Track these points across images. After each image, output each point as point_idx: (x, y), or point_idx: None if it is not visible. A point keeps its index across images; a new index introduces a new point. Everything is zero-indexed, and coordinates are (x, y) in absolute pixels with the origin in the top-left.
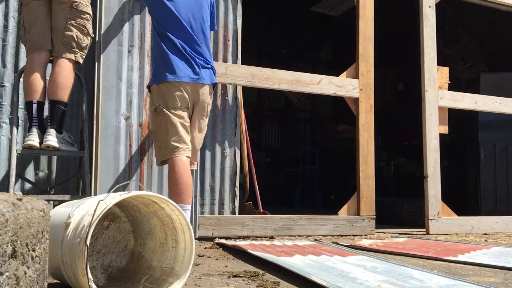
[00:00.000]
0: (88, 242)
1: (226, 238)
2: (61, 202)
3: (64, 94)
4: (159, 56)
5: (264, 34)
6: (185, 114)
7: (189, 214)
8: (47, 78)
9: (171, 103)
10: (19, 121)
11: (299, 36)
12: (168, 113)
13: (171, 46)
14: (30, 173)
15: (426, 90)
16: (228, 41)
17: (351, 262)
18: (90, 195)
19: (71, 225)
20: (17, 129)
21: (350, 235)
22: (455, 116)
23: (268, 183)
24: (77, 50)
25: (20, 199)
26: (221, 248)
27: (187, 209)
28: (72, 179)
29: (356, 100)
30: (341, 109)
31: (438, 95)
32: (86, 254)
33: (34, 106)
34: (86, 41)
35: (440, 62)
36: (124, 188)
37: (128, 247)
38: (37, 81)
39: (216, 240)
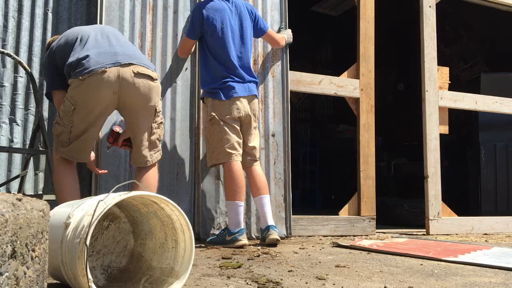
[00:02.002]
0: (88, 242)
1: None
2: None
3: None
4: (213, 77)
5: None
6: (237, 125)
7: (242, 209)
8: None
9: (226, 115)
10: (19, 121)
11: (299, 36)
12: (223, 123)
13: (226, 73)
14: (30, 173)
15: (427, 90)
16: None
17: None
18: (90, 195)
19: (71, 225)
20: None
21: (350, 235)
22: (455, 116)
23: None
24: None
25: (19, 199)
26: (221, 249)
27: (241, 205)
28: None
29: (356, 100)
30: (341, 109)
31: (438, 95)
32: (86, 254)
33: None
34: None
35: (440, 62)
36: (124, 188)
37: (128, 247)
38: None
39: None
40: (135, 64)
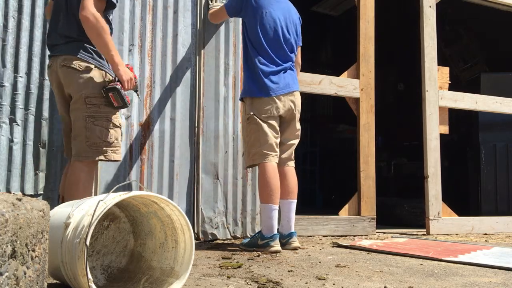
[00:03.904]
0: (88, 242)
1: (225, 238)
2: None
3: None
4: (253, 72)
5: None
6: (276, 123)
7: (276, 213)
8: None
9: (264, 113)
10: (19, 121)
11: None
12: (261, 122)
13: (265, 63)
14: (30, 173)
15: (427, 90)
16: None
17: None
18: (90, 195)
19: (71, 225)
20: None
21: (350, 235)
22: (455, 116)
23: None
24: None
25: (19, 199)
26: (221, 249)
27: (275, 208)
28: None
29: (357, 100)
30: (341, 109)
31: (439, 95)
32: (86, 254)
33: None
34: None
35: (440, 62)
36: (124, 188)
37: (128, 247)
38: None
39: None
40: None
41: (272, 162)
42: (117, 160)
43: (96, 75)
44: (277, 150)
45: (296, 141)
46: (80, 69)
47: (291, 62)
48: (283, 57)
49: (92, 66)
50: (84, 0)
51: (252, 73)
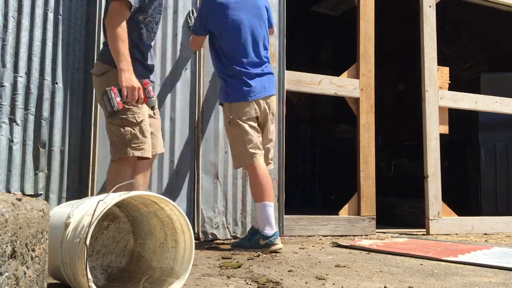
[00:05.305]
0: (87, 242)
1: (225, 238)
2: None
3: None
4: (228, 78)
5: None
6: (255, 124)
7: (273, 210)
8: None
9: (244, 115)
10: (19, 121)
11: (299, 36)
12: (242, 123)
13: (238, 68)
14: (30, 173)
15: (426, 90)
16: None
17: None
18: (90, 195)
19: (71, 225)
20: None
21: (350, 235)
22: (455, 116)
23: None
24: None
25: (19, 199)
26: (221, 248)
27: (271, 206)
28: (72, 179)
29: (356, 100)
30: (341, 109)
31: (438, 95)
32: (85, 254)
33: None
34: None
35: (440, 62)
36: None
37: (127, 247)
38: None
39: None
40: None
41: (259, 160)
42: (143, 157)
43: (111, 77)
44: (262, 148)
45: (272, 144)
46: (97, 74)
47: (267, 63)
48: (256, 58)
49: (106, 69)
50: (108, 9)
51: (227, 78)
